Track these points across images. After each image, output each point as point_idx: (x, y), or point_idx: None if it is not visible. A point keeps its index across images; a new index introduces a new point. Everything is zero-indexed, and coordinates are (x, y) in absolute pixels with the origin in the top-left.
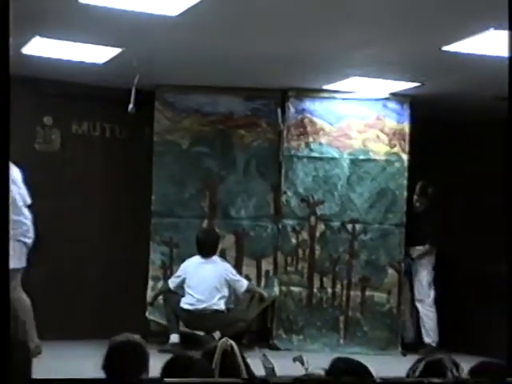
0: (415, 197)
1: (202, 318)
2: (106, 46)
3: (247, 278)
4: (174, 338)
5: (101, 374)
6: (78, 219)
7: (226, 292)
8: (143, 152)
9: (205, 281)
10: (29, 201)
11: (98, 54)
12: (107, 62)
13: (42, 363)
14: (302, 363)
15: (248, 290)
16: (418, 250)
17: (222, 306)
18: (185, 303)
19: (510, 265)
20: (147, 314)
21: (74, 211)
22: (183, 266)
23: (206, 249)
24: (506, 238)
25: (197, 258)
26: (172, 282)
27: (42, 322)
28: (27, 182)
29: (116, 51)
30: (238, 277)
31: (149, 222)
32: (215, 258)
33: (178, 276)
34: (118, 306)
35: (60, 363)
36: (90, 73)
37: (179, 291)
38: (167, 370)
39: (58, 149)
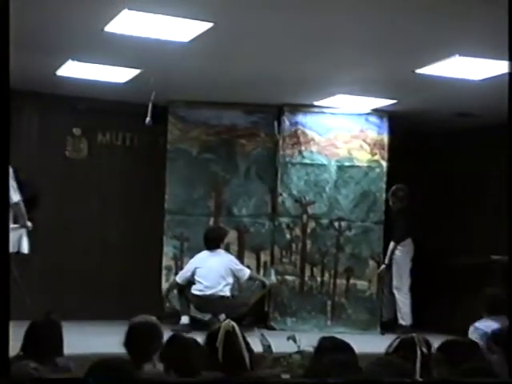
0: (390, 199)
1: (210, 302)
2: (127, 67)
3: (248, 268)
4: (185, 319)
5: (122, 350)
6: (102, 217)
7: (230, 280)
8: (158, 158)
9: (212, 270)
10: (14, 199)
11: (119, 75)
12: (128, 81)
13: (72, 339)
14: (295, 341)
15: (250, 278)
16: (399, 244)
17: (227, 292)
18: (195, 290)
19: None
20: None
21: (98, 210)
22: (192, 261)
23: (212, 243)
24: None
25: (204, 252)
26: (180, 277)
27: (76, 304)
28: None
29: (135, 72)
30: (241, 266)
31: (162, 219)
32: (220, 250)
33: (186, 271)
34: (137, 291)
35: (88, 340)
36: (113, 90)
37: (185, 283)
38: (167, 347)
39: (86, 156)
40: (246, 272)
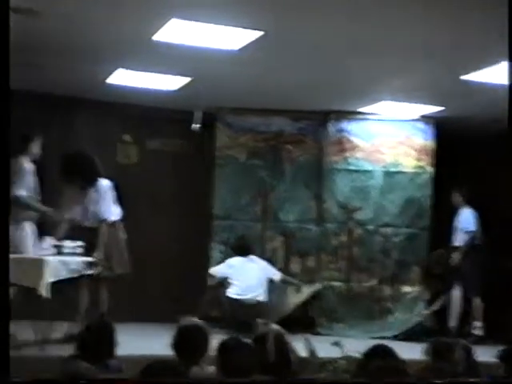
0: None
1: (247, 306)
2: (177, 75)
3: (293, 274)
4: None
5: (170, 352)
6: (151, 222)
7: (265, 284)
8: (206, 164)
9: (250, 275)
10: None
11: (169, 83)
12: (178, 89)
13: (122, 341)
14: (340, 347)
15: (283, 281)
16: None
17: (264, 297)
18: (232, 293)
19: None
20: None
21: (147, 215)
22: (228, 263)
23: (246, 250)
24: None
25: (238, 258)
26: (217, 272)
27: (126, 306)
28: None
29: (186, 80)
30: (273, 270)
31: (210, 224)
32: (253, 256)
33: (224, 270)
34: (184, 294)
35: (137, 341)
36: (163, 98)
37: (219, 280)
38: (221, 349)
39: (136, 162)
40: (278, 275)
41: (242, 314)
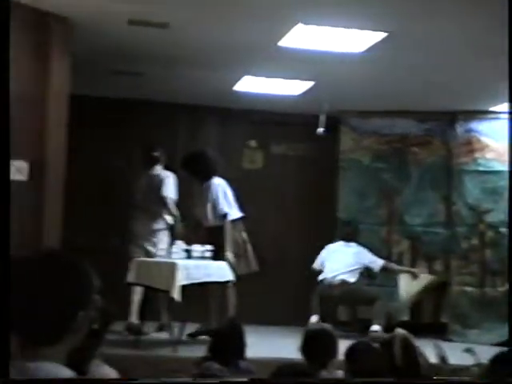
0: None
1: (333, 287)
2: (300, 80)
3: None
4: (314, 318)
5: (297, 356)
6: (277, 226)
7: (356, 269)
8: (329, 168)
9: (339, 258)
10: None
11: (293, 87)
12: (301, 93)
13: (251, 343)
14: (472, 354)
15: (385, 268)
16: None
17: (351, 278)
18: (321, 276)
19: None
20: None
21: (273, 219)
22: (325, 248)
23: (347, 236)
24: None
25: (337, 243)
26: (316, 262)
27: (254, 309)
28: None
29: (309, 84)
30: (373, 258)
31: (335, 227)
32: (353, 243)
33: (320, 256)
34: (309, 298)
35: (265, 344)
36: (286, 103)
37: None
38: (350, 353)
39: (261, 167)
40: (379, 262)
41: (327, 294)
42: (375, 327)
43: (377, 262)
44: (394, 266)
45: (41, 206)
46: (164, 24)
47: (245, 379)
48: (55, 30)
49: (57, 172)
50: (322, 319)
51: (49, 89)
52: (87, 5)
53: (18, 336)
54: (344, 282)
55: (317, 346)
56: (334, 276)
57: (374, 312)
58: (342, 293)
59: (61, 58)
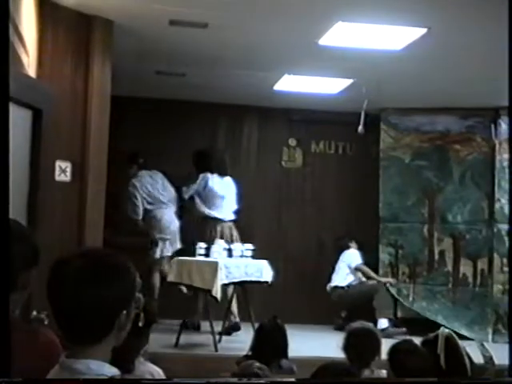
0: None
1: (332, 293)
2: (340, 78)
3: (464, 276)
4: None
5: (340, 354)
6: (317, 224)
7: (348, 273)
8: (370, 166)
9: (337, 267)
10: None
11: (332, 85)
12: (340, 91)
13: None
14: None
15: (358, 269)
16: None
17: (339, 282)
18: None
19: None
20: None
21: (313, 217)
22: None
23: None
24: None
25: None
26: None
27: (292, 307)
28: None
29: (348, 82)
30: (355, 258)
31: (377, 226)
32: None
33: None
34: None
35: (306, 343)
36: (326, 101)
37: None
38: (393, 352)
39: (301, 165)
40: (356, 262)
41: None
42: (382, 322)
43: (354, 262)
44: (367, 270)
45: (83, 206)
46: (203, 24)
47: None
48: (97, 31)
49: (98, 172)
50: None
51: (91, 90)
52: (129, 6)
53: (63, 335)
54: (335, 288)
55: (359, 345)
56: (332, 283)
57: (375, 307)
58: (338, 298)
59: (103, 60)
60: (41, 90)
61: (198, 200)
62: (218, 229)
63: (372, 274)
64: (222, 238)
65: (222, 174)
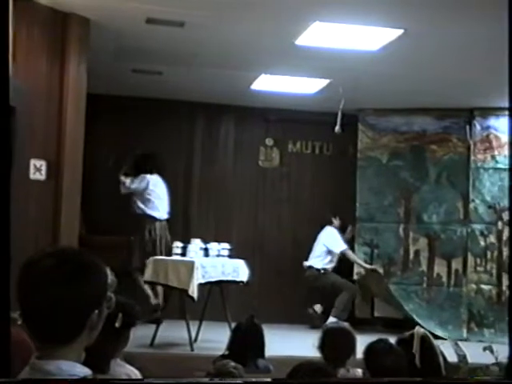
0: None
1: (307, 272)
2: (317, 78)
3: (438, 275)
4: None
5: (316, 353)
6: (293, 224)
7: (324, 252)
8: (346, 166)
9: (315, 245)
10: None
11: (309, 86)
12: (317, 91)
13: (272, 342)
14: (492, 352)
15: (343, 254)
16: None
17: (316, 263)
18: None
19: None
20: None
21: (289, 217)
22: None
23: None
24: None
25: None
26: None
27: (270, 308)
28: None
29: (325, 82)
30: (336, 241)
31: (353, 226)
32: (328, 227)
33: None
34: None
35: (282, 342)
36: (303, 101)
37: None
38: (369, 351)
39: (277, 165)
40: (341, 247)
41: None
42: (331, 320)
43: (338, 246)
44: (352, 256)
45: (58, 204)
46: (180, 23)
47: (262, 379)
48: (73, 29)
49: (74, 171)
50: (324, 309)
51: (67, 88)
52: (105, 4)
53: (34, 336)
54: (310, 267)
55: (335, 344)
56: (309, 262)
57: (335, 303)
58: (313, 279)
59: (79, 58)
60: (14, 86)
61: (136, 198)
62: (158, 227)
63: (358, 261)
64: (160, 236)
65: (160, 176)
